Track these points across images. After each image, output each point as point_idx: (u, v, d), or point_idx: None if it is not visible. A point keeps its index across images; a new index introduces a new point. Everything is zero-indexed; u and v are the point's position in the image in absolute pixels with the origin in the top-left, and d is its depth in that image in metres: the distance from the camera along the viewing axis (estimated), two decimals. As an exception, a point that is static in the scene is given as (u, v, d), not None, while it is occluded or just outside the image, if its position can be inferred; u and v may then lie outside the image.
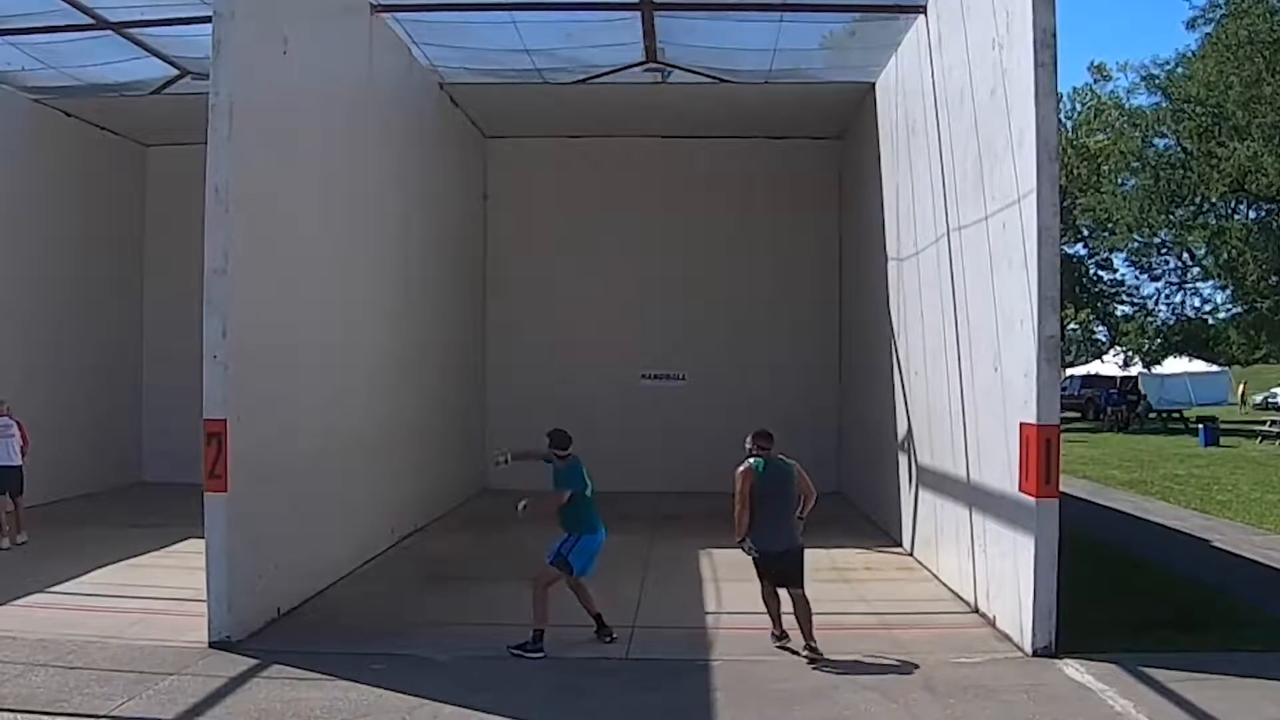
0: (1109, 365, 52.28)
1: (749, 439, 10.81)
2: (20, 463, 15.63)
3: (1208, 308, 45.76)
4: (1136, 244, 44.10)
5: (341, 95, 14.14)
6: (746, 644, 10.57)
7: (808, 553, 13.85)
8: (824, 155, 22.84)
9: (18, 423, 15.72)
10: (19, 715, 8.20)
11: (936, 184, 14.09)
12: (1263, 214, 39.96)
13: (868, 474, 19.21)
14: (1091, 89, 47.83)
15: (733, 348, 22.96)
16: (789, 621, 10.45)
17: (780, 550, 10.40)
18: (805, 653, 10.07)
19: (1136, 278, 48.09)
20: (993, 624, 11.16)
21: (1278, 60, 34.18)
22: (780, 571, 10.43)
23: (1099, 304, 49.45)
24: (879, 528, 17.52)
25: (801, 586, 10.36)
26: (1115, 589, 12.88)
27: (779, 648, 10.42)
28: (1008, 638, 10.62)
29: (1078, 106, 48.22)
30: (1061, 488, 10.30)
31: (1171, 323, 45.44)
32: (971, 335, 12.46)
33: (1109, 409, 49.19)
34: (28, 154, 19.52)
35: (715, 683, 9.32)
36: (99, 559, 14.06)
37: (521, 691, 9.08)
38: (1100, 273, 49.79)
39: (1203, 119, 37.48)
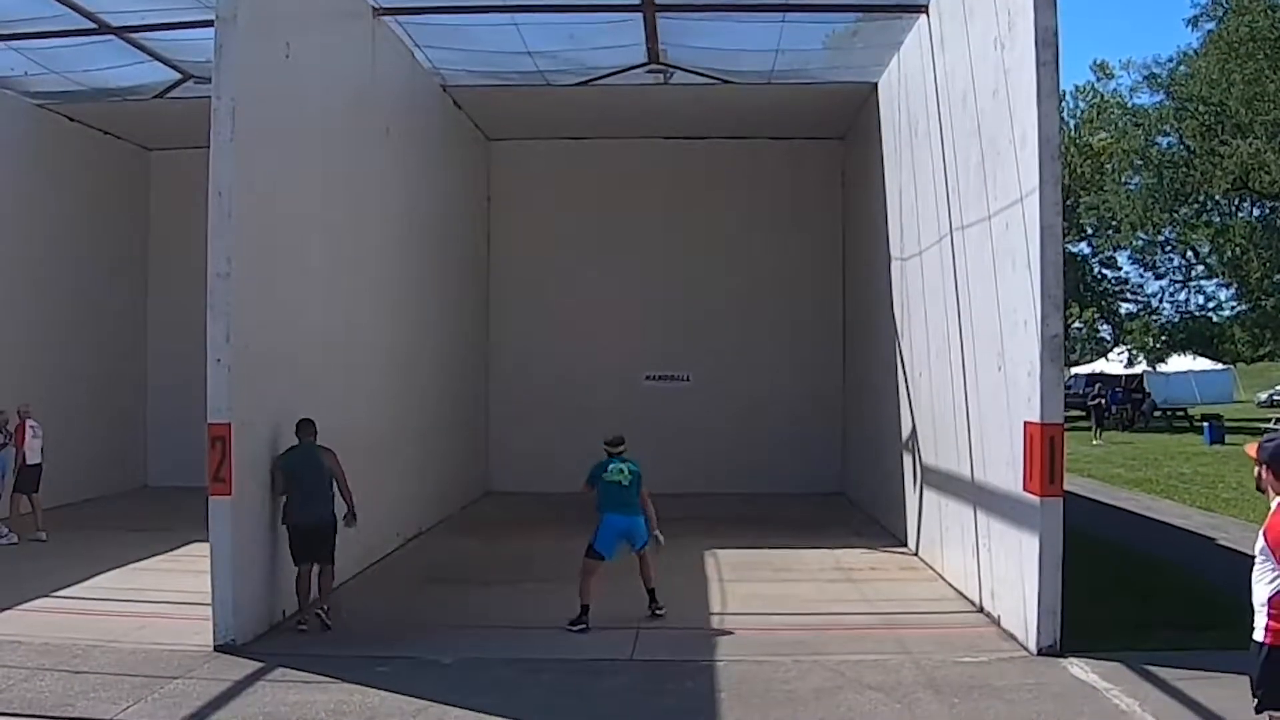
0: (1114, 364, 52.21)
1: None
2: (41, 461, 16.42)
3: (1212, 305, 45.75)
4: (1140, 242, 44.09)
5: (344, 98, 14.14)
6: (751, 645, 10.57)
7: (812, 552, 13.95)
8: (826, 155, 22.84)
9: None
10: (25, 720, 8.23)
11: (939, 183, 14.08)
12: (1266, 211, 39.95)
13: (872, 473, 19.19)
14: (1094, 87, 47.82)
15: (736, 348, 22.96)
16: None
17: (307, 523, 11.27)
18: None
19: (1141, 276, 48.12)
20: (997, 623, 11.15)
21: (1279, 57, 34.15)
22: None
23: (1103, 302, 49.38)
24: (883, 527, 17.52)
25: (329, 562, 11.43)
26: (1120, 587, 12.87)
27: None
28: (1012, 637, 10.61)
29: (1080, 105, 48.18)
30: (1066, 486, 10.29)
31: (1175, 321, 45.38)
32: (975, 334, 12.45)
33: (1114, 408, 49.11)
34: (31, 159, 19.54)
35: (720, 683, 9.30)
36: (104, 563, 14.07)
37: (526, 693, 9.07)
38: (1104, 271, 49.74)
39: (1205, 117, 37.47)
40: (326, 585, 11.38)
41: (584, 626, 11.16)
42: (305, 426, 11.53)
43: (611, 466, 11.86)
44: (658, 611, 11.70)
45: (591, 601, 11.29)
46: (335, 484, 11.51)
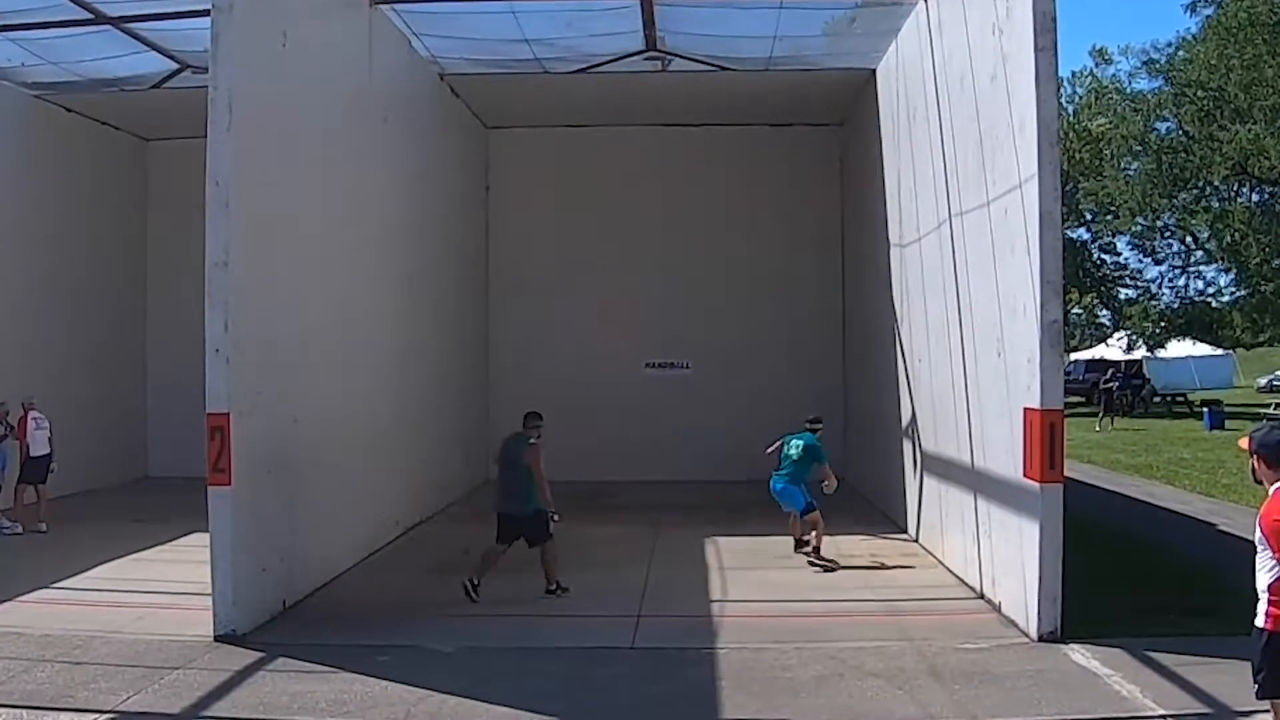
0: (1113, 349, 52.17)
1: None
2: (49, 452, 16.49)
3: (1211, 290, 45.67)
4: (1140, 228, 43.99)
5: (341, 88, 14.11)
6: (752, 632, 10.57)
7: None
8: (825, 142, 22.79)
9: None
10: (25, 711, 8.22)
11: (938, 169, 14.06)
12: (1265, 197, 39.90)
13: (872, 461, 19.19)
14: (1093, 73, 47.76)
15: (736, 335, 22.93)
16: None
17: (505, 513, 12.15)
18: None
19: (1140, 261, 48.00)
20: (998, 609, 11.15)
21: (1278, 42, 34.06)
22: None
23: (1102, 288, 49.33)
24: (884, 514, 17.51)
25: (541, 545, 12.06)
26: (1121, 573, 12.88)
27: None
28: (1013, 623, 10.61)
29: (1079, 90, 48.13)
30: (1066, 472, 10.29)
31: (1175, 306, 45.33)
32: (974, 321, 12.43)
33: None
34: (29, 150, 19.50)
35: (720, 671, 9.30)
36: (104, 554, 14.07)
37: (526, 682, 9.07)
38: (1103, 256, 49.66)
39: (1204, 102, 37.40)
40: (548, 564, 12.06)
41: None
42: (528, 419, 12.50)
43: (791, 440, 14.22)
44: (815, 564, 13.68)
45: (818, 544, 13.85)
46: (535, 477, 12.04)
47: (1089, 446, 30.94)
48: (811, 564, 13.70)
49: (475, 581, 11.75)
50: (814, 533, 13.86)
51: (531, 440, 12.22)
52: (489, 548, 12.07)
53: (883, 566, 14.01)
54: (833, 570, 13.54)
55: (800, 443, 14.17)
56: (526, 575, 12.49)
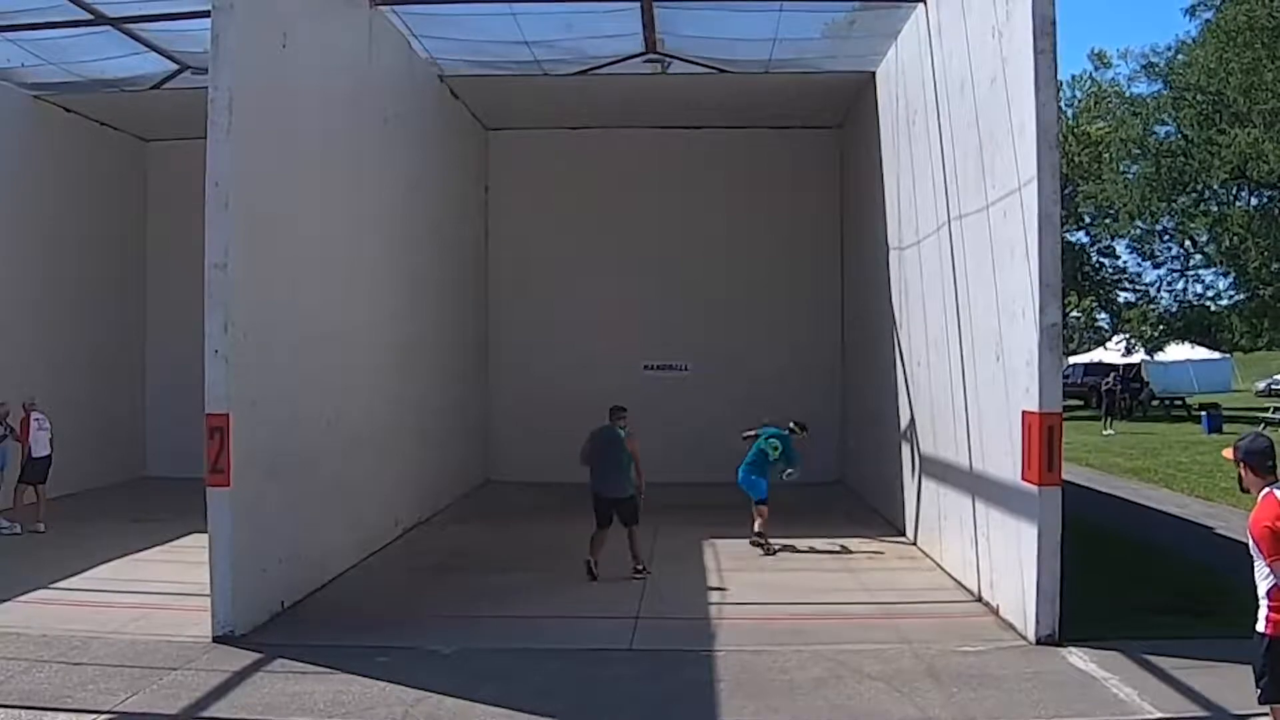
0: (1112, 353, 52.14)
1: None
2: (50, 453, 16.47)
3: (1210, 294, 45.64)
4: (1138, 231, 43.93)
5: (341, 89, 14.10)
6: (750, 634, 10.58)
7: (810, 541, 14.06)
8: (824, 144, 22.80)
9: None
10: (23, 711, 8.22)
11: (937, 172, 14.06)
12: (1264, 200, 39.82)
13: (871, 462, 19.19)
14: (1092, 76, 47.79)
15: (735, 337, 22.92)
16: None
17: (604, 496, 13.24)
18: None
19: (1139, 265, 47.96)
20: (996, 612, 11.16)
21: (1277, 46, 34.05)
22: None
23: (1101, 291, 49.31)
24: (882, 516, 17.53)
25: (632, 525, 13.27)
26: (1118, 576, 12.89)
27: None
28: (1011, 626, 10.62)
29: (1078, 94, 48.16)
30: (1064, 475, 10.29)
31: (1174, 310, 45.28)
32: (973, 324, 12.43)
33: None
34: (28, 150, 19.49)
35: (719, 673, 9.31)
36: (102, 554, 14.06)
37: (524, 683, 9.07)
38: (1102, 260, 49.66)
39: (1203, 106, 37.36)
40: (634, 543, 13.19)
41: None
42: (614, 412, 13.57)
43: (768, 434, 15.62)
44: (761, 546, 14.85)
45: (763, 530, 15.01)
46: (633, 463, 13.21)
47: (1087, 450, 30.94)
48: (753, 543, 15.00)
49: (595, 562, 12.97)
50: (759, 519, 15.15)
51: (624, 430, 13.34)
52: (594, 534, 13.16)
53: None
54: (767, 550, 14.79)
55: (776, 441, 15.61)
56: (525, 575, 12.51)
